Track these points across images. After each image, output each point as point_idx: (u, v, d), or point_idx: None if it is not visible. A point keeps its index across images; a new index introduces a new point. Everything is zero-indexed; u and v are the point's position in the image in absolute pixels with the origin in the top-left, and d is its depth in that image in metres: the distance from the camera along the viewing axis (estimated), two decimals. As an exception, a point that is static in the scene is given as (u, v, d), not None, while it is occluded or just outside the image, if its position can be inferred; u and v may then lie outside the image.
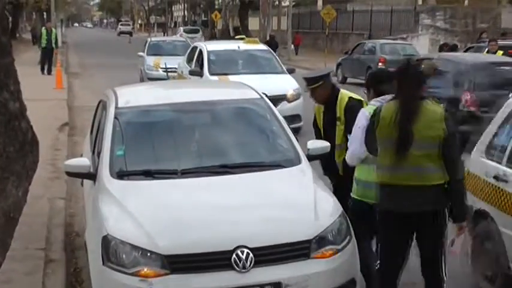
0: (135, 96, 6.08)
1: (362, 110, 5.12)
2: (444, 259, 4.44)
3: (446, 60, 11.91)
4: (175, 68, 17.21)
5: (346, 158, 5.18)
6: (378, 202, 4.47)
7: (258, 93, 6.03)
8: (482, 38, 19.45)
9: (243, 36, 21.43)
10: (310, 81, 5.78)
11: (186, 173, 4.94)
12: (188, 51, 16.24)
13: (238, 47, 14.65)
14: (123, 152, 5.16)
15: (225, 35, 51.46)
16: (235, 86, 7.32)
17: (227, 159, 5.17)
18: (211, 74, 13.20)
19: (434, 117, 4.24)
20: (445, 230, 4.39)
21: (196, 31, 53.78)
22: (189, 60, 15.36)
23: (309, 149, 5.38)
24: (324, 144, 5.46)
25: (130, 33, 78.15)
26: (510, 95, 9.14)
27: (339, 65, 24.76)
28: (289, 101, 12.60)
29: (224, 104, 5.78)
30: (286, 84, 13.14)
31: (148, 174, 4.93)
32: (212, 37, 55.33)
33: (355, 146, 4.96)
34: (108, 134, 5.29)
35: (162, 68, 17.59)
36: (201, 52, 14.49)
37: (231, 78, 12.29)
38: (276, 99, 10.89)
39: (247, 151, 5.40)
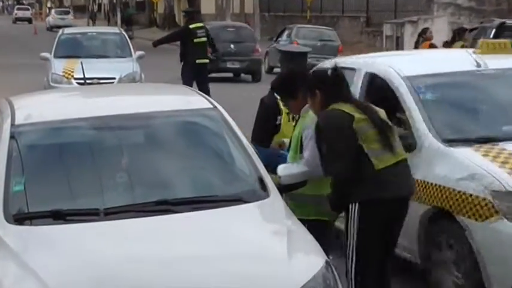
0: (39, 108, 6.10)
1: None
2: None
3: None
4: (100, 78, 14.84)
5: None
6: (364, 194, 5.41)
7: (210, 101, 6.07)
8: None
9: (201, 24, 17.80)
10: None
11: (111, 213, 4.96)
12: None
13: (477, 63, 8.09)
14: (22, 187, 5.15)
15: (169, 22, 51.55)
16: (179, 91, 7.33)
17: (168, 192, 5.20)
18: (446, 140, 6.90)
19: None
20: None
21: (67, 12, 72.45)
22: None
23: (280, 177, 5.44)
24: (301, 169, 5.51)
25: (29, 20, 79.94)
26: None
27: (266, 53, 29.66)
28: None
29: (164, 118, 5.82)
30: None
31: (59, 217, 4.93)
32: (152, 24, 55.37)
33: None
34: (1, 161, 5.28)
35: (77, 79, 15.62)
36: (383, 85, 7.60)
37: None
38: None
39: (196, 181, 5.43)
